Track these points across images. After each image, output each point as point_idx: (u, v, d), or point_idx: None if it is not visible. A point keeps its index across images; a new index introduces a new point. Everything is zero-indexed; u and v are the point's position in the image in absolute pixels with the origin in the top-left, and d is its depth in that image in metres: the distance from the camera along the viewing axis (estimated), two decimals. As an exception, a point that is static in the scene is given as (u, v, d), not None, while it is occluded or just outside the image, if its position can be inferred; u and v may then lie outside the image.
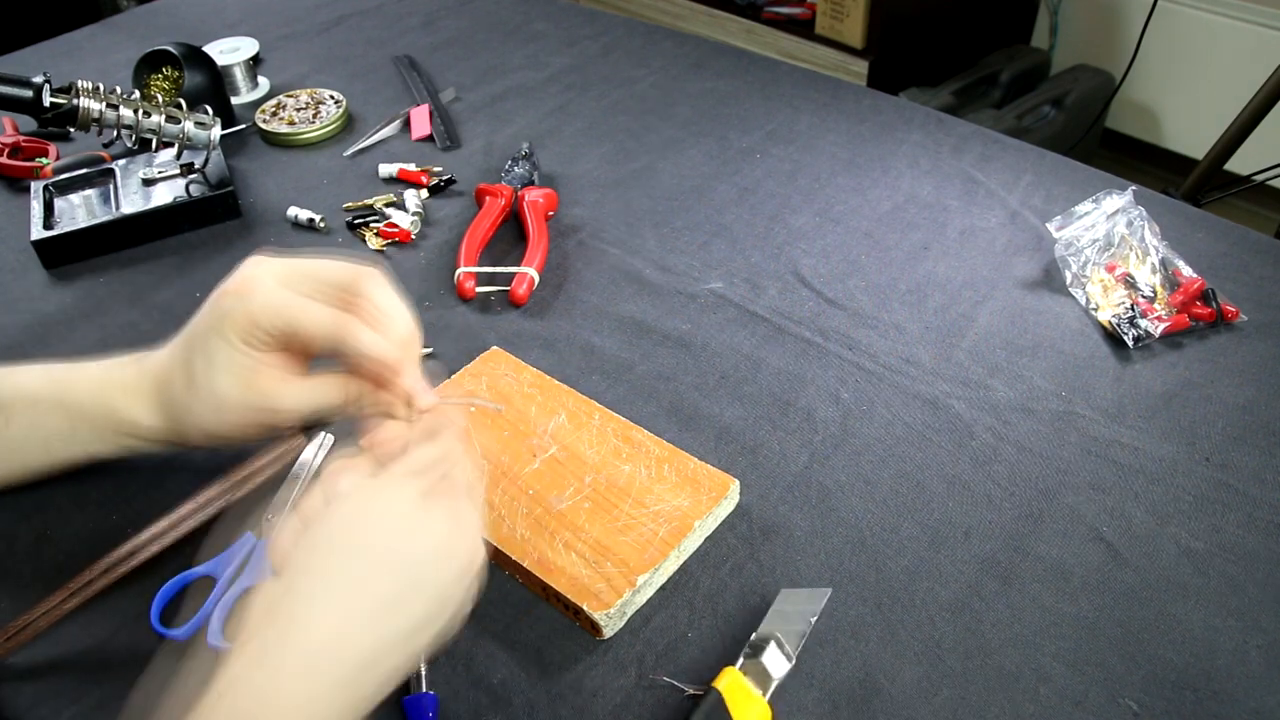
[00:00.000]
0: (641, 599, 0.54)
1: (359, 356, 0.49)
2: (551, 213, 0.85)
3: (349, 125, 1.00)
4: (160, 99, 0.87)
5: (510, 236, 0.84)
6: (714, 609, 0.54)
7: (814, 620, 0.51)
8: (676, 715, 0.49)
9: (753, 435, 0.64)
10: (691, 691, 0.49)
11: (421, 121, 0.99)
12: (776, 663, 0.49)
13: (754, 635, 0.51)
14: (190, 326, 0.53)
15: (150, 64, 0.96)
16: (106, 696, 0.50)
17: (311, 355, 0.53)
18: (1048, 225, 0.79)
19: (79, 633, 0.53)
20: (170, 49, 0.93)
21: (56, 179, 0.87)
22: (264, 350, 0.51)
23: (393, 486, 0.46)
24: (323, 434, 0.63)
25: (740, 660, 0.49)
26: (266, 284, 0.50)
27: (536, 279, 0.77)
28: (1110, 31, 2.15)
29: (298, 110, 0.99)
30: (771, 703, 0.48)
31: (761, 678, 0.49)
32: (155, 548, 0.55)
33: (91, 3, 2.15)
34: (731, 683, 0.48)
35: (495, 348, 0.70)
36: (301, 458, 0.62)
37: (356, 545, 0.43)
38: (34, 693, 0.51)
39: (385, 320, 0.50)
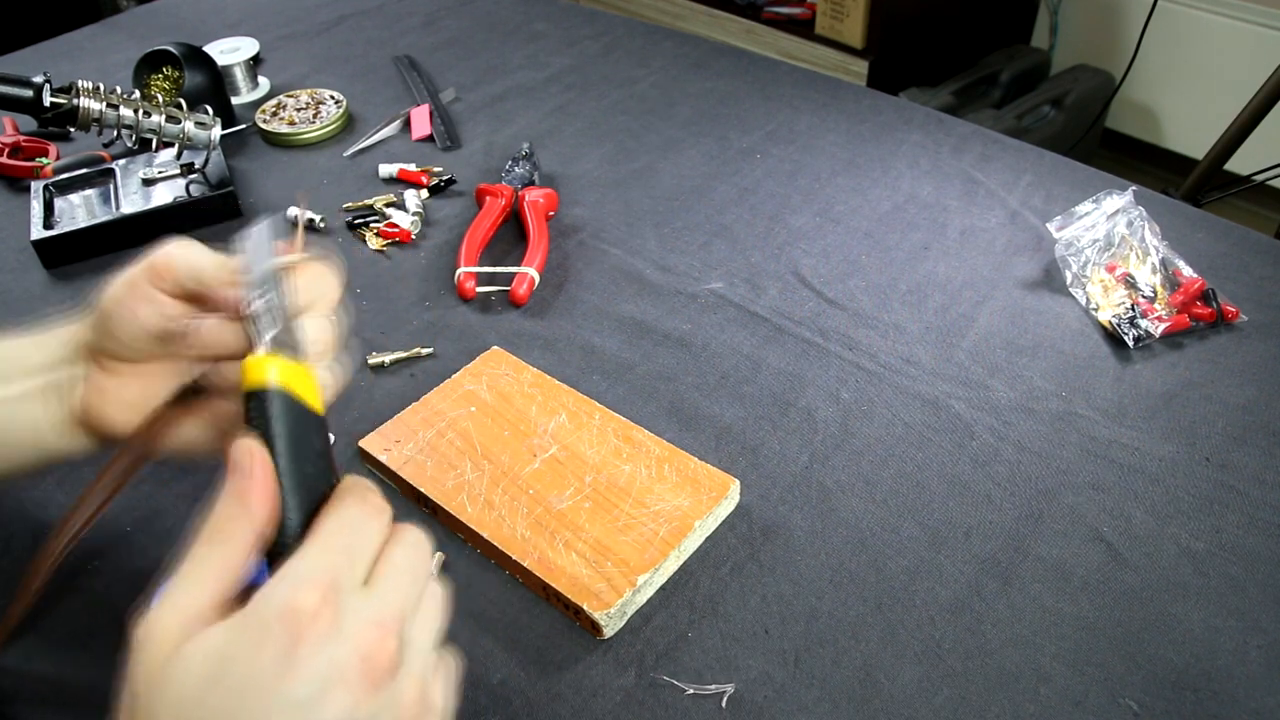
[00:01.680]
0: (642, 599, 0.54)
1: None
2: (552, 213, 0.85)
3: (349, 125, 1.00)
4: (160, 99, 0.87)
5: (510, 236, 0.84)
6: (714, 609, 0.54)
7: (274, 254, 0.42)
8: (677, 715, 0.49)
9: (753, 435, 0.64)
10: (666, 679, 0.50)
11: (421, 121, 0.99)
12: (276, 320, 0.41)
13: (251, 313, 0.41)
14: None
15: (150, 64, 0.96)
16: (104, 696, 0.50)
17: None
18: (1048, 225, 0.79)
19: (79, 632, 0.53)
20: (170, 49, 0.93)
21: (56, 179, 0.87)
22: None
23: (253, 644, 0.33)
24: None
25: (264, 347, 0.39)
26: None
27: (537, 279, 0.77)
28: (1110, 31, 2.15)
29: (298, 110, 0.99)
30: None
31: (286, 349, 0.40)
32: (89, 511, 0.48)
33: (91, 3, 2.15)
34: (281, 370, 0.39)
35: (495, 348, 0.70)
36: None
37: None
38: (31, 693, 0.51)
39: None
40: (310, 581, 0.34)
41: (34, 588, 0.48)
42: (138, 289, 0.47)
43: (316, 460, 0.39)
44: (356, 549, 0.37)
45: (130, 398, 0.49)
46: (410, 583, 0.38)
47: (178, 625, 0.34)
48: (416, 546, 0.39)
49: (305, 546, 0.36)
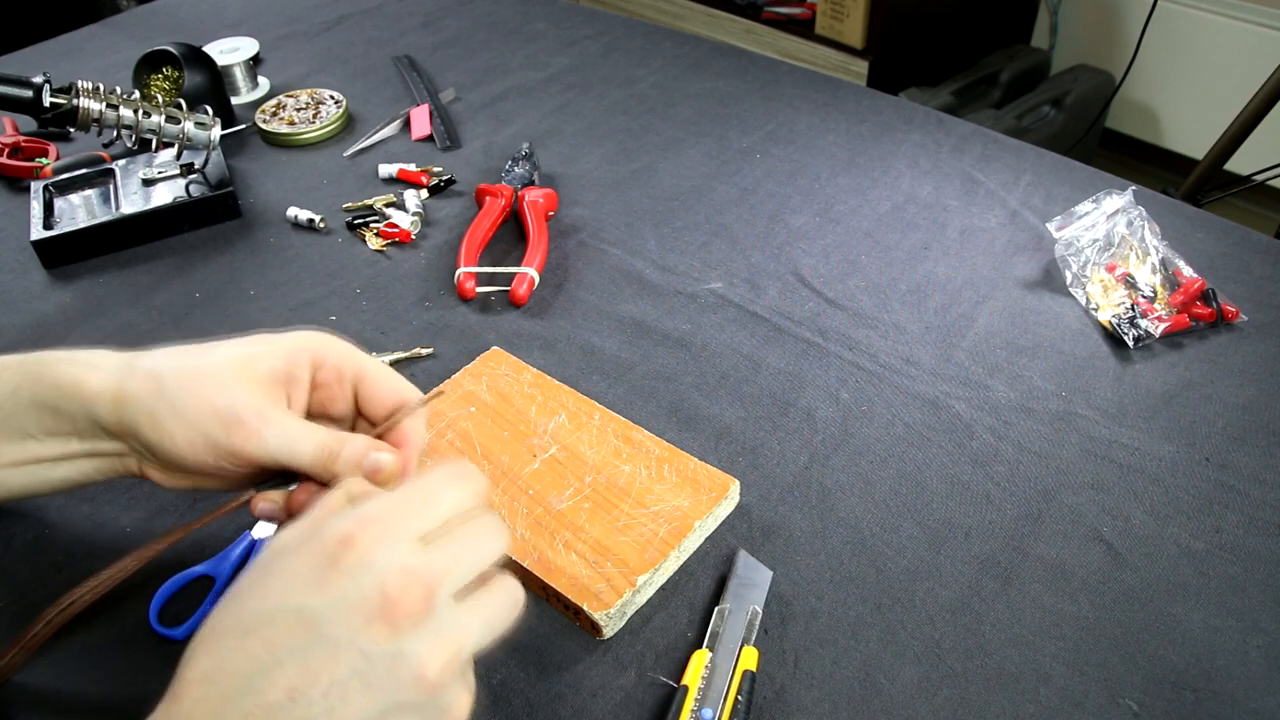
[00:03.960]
0: (641, 599, 0.54)
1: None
2: (551, 213, 0.85)
3: (349, 125, 1.00)
4: (160, 99, 0.87)
5: (510, 236, 0.84)
6: (714, 609, 0.54)
7: (761, 607, 0.53)
8: (675, 716, 0.49)
9: (753, 435, 0.64)
10: (663, 680, 0.50)
11: (421, 121, 0.99)
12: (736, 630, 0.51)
13: (715, 611, 0.52)
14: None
15: (150, 64, 0.96)
16: (105, 697, 0.50)
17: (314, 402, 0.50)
18: (1048, 225, 0.79)
19: (77, 632, 0.53)
20: (170, 49, 0.93)
21: (56, 179, 0.87)
22: (290, 378, 0.48)
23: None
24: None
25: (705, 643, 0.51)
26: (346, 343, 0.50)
27: (536, 279, 0.77)
28: (1110, 31, 2.15)
29: (298, 110, 0.99)
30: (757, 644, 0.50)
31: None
32: (103, 589, 0.48)
33: (91, 3, 2.15)
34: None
35: (495, 348, 0.70)
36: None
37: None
38: (31, 695, 0.51)
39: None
40: (371, 520, 0.38)
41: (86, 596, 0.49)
42: (207, 460, 0.46)
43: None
44: (428, 508, 0.39)
45: (200, 485, 0.49)
46: (462, 553, 0.39)
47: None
48: (487, 532, 0.41)
49: (387, 493, 0.40)
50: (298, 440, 0.45)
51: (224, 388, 0.45)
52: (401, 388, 0.49)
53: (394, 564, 0.37)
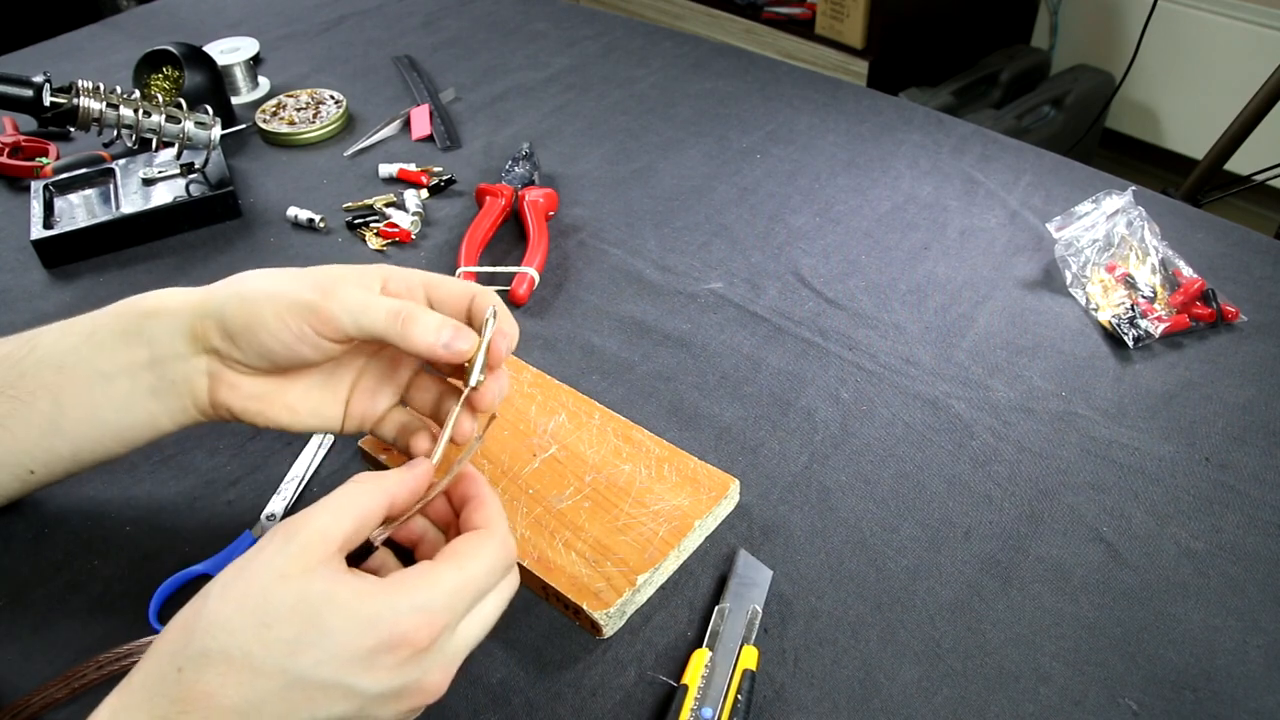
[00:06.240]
0: (641, 598, 0.54)
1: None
2: (552, 213, 0.85)
3: (349, 125, 1.00)
4: (160, 99, 0.87)
5: (510, 236, 0.84)
6: (714, 608, 0.54)
7: (761, 607, 0.53)
8: (675, 715, 0.49)
9: (753, 435, 0.64)
10: (663, 679, 0.50)
11: (421, 121, 0.99)
12: (736, 629, 0.52)
13: (715, 610, 0.53)
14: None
15: (150, 64, 0.96)
16: (103, 697, 0.50)
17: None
18: (1048, 225, 0.79)
19: (78, 631, 0.53)
20: (170, 49, 0.93)
21: (56, 179, 0.87)
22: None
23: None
24: (323, 435, 0.63)
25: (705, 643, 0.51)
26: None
27: (537, 279, 0.77)
28: (1110, 31, 2.15)
29: (298, 110, 0.99)
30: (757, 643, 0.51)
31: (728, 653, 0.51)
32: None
33: (91, 3, 2.15)
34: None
35: (495, 347, 0.70)
36: (300, 457, 0.62)
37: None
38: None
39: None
40: (435, 623, 0.40)
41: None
42: (291, 329, 0.48)
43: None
44: (480, 597, 0.43)
45: (292, 401, 0.51)
46: (485, 623, 0.43)
47: (318, 536, 0.40)
48: (506, 597, 0.45)
49: (450, 574, 0.41)
50: (372, 304, 0.47)
51: (301, 277, 0.49)
52: (470, 286, 0.51)
53: (438, 663, 0.41)
